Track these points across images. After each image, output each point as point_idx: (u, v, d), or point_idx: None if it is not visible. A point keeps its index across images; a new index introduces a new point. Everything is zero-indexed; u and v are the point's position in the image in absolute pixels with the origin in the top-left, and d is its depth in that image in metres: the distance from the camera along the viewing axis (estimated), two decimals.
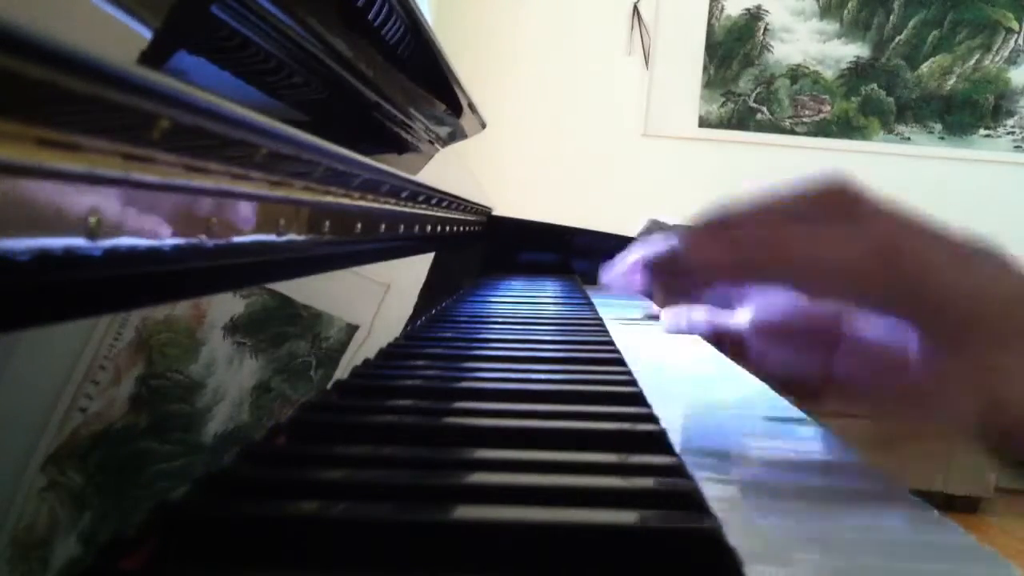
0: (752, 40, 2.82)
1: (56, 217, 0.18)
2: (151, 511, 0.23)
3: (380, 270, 0.55)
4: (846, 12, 2.81)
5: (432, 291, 0.71)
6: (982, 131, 2.84)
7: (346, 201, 0.42)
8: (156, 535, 0.22)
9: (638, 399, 0.38)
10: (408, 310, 0.62)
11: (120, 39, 0.23)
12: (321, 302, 0.41)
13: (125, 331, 0.23)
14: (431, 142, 0.88)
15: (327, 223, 0.39)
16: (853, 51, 2.83)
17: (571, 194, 2.70)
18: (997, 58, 2.82)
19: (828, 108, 2.84)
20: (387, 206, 0.52)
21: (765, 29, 2.83)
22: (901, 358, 0.30)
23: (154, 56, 0.25)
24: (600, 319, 0.70)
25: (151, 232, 0.23)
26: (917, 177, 2.80)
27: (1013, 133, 2.84)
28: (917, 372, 0.29)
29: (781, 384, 0.37)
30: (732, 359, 0.38)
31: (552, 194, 2.66)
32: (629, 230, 1.24)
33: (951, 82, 2.83)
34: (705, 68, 2.82)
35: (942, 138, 2.84)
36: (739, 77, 2.83)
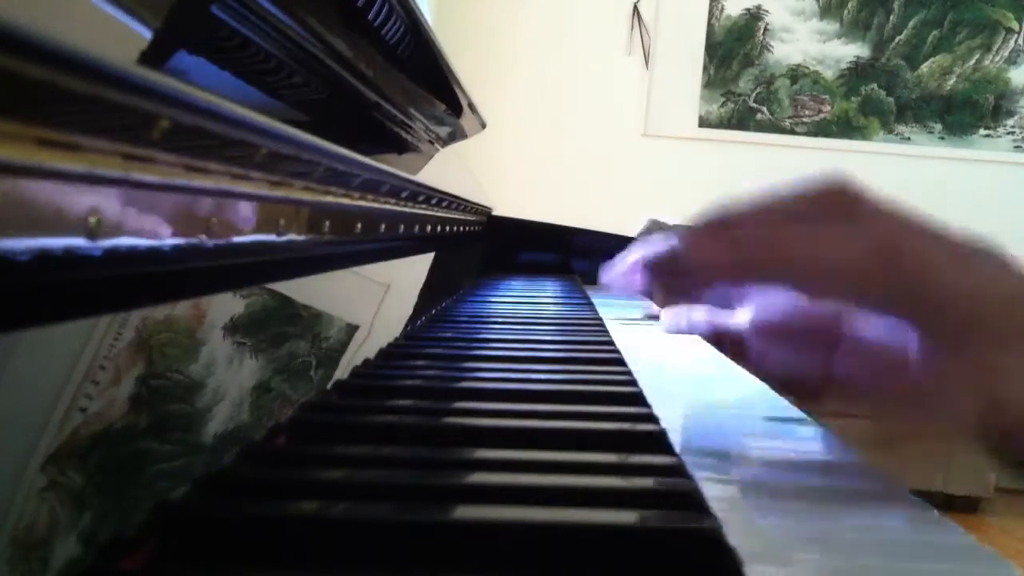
0: (752, 40, 2.82)
1: (56, 217, 0.18)
2: (151, 511, 0.23)
3: (380, 270, 0.55)
4: (846, 12, 2.81)
5: (432, 291, 0.71)
6: (982, 131, 2.84)
7: (346, 201, 0.42)
8: (156, 535, 0.22)
9: (638, 399, 0.38)
10: (408, 310, 0.62)
11: (120, 39, 0.23)
12: (321, 302, 0.41)
13: (125, 331, 0.23)
14: (431, 142, 0.88)
15: (327, 223, 0.39)
16: (853, 51, 2.82)
17: (571, 194, 2.70)
18: (997, 58, 2.82)
19: (828, 108, 2.84)
20: (387, 206, 0.52)
21: (765, 29, 2.83)
22: (901, 358, 0.30)
23: (154, 56, 0.25)
24: (600, 319, 0.70)
25: (151, 232, 0.23)
26: (917, 177, 2.80)
27: (1013, 133, 2.84)
28: (917, 372, 0.29)
29: (781, 384, 0.37)
30: (732, 359, 0.38)
31: (552, 194, 2.66)
32: (629, 230, 1.24)
33: (951, 82, 2.83)
34: (705, 68, 2.82)
35: (942, 138, 2.84)
36: (739, 77, 2.83)
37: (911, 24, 2.80)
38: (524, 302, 0.84)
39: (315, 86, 0.49)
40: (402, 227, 0.58)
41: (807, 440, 0.34)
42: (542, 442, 0.31)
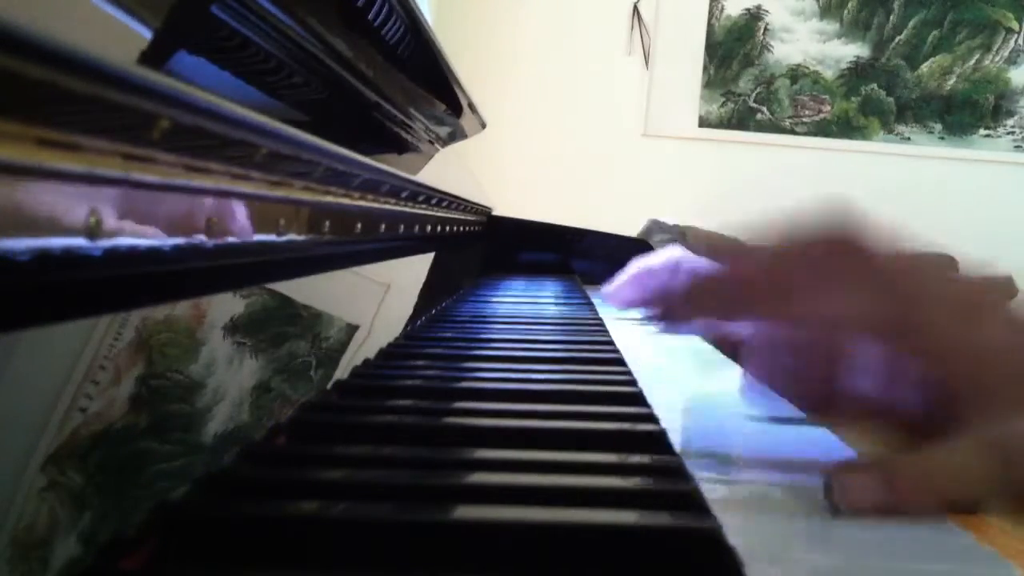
0: (752, 40, 2.82)
1: (56, 217, 0.18)
2: (151, 511, 0.23)
3: (380, 270, 0.55)
4: (846, 12, 2.81)
5: (432, 291, 0.71)
6: (982, 131, 2.84)
7: (346, 201, 0.42)
8: (156, 535, 0.22)
9: (638, 399, 0.38)
10: (408, 310, 0.62)
11: (120, 39, 0.23)
12: (321, 302, 0.41)
13: (125, 331, 0.23)
14: (431, 142, 0.88)
15: (327, 223, 0.39)
16: (853, 51, 2.83)
17: (571, 194, 2.70)
18: (997, 58, 2.82)
19: (828, 108, 2.84)
20: (387, 206, 0.52)
21: (765, 29, 2.83)
22: (906, 393, 0.29)
23: (154, 56, 0.25)
24: (600, 319, 0.70)
25: (151, 232, 0.23)
26: (917, 177, 2.80)
27: (1013, 133, 2.84)
28: (922, 415, 0.29)
29: (784, 395, 0.37)
30: (732, 359, 0.38)
31: (552, 194, 2.66)
32: (629, 230, 1.24)
33: (951, 82, 2.83)
34: (705, 68, 2.82)
35: (942, 138, 2.84)
36: (739, 77, 2.83)
37: (911, 24, 2.80)
38: (524, 302, 0.84)
39: (315, 86, 0.49)
40: (402, 227, 0.58)
41: (807, 440, 0.34)
42: (542, 442, 0.31)
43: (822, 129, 2.84)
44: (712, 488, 0.26)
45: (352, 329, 0.46)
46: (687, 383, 0.46)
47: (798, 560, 0.22)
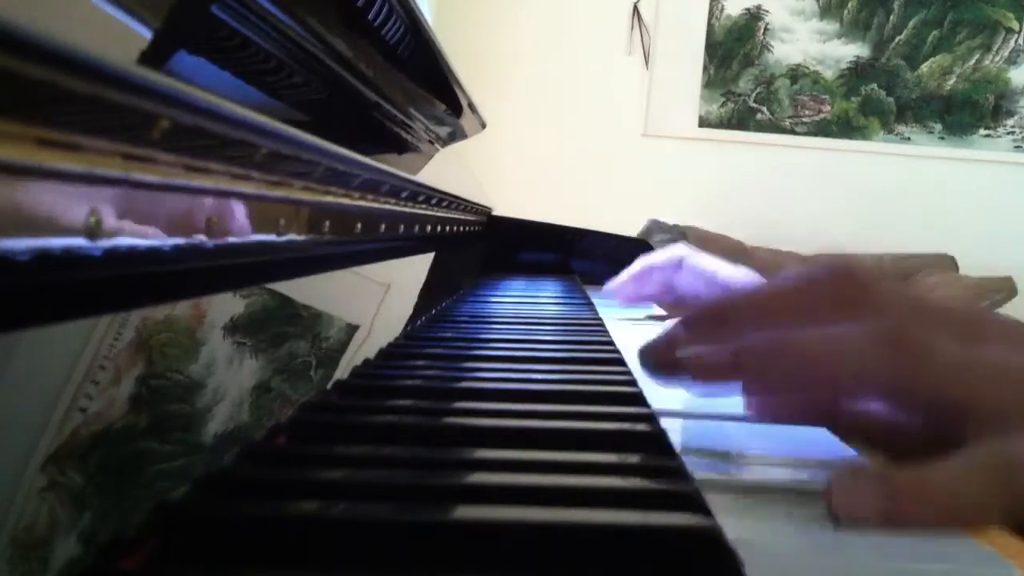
0: (752, 40, 2.83)
1: (56, 217, 0.18)
2: (151, 511, 0.23)
3: (380, 270, 0.55)
4: (846, 12, 2.81)
5: (432, 291, 0.71)
6: (982, 131, 2.84)
7: (346, 201, 0.42)
8: (156, 535, 0.22)
9: (638, 399, 0.38)
10: (408, 310, 0.62)
11: (120, 39, 0.23)
12: (321, 302, 0.41)
13: (125, 331, 0.23)
14: (431, 142, 0.88)
15: (327, 223, 0.39)
16: (853, 51, 2.83)
17: (571, 194, 2.70)
18: (997, 58, 2.82)
19: (828, 108, 2.84)
20: (387, 206, 0.52)
21: (765, 29, 2.83)
22: (907, 431, 0.29)
23: (154, 56, 0.25)
24: (600, 319, 0.70)
25: (151, 232, 0.23)
26: (917, 177, 2.80)
27: (1013, 133, 2.84)
28: (925, 434, 0.29)
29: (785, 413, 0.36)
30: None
31: (552, 194, 2.66)
32: (629, 230, 1.24)
33: (951, 82, 2.83)
34: (705, 68, 2.82)
35: (942, 138, 2.84)
36: (739, 77, 2.84)
37: (911, 24, 2.80)
38: (524, 302, 0.84)
39: (315, 86, 0.49)
40: (402, 227, 0.58)
41: (807, 440, 0.34)
42: (542, 442, 0.31)
43: (822, 129, 2.85)
44: (712, 488, 0.26)
45: (352, 329, 0.46)
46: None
47: (798, 560, 0.22)
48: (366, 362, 0.46)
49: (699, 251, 0.63)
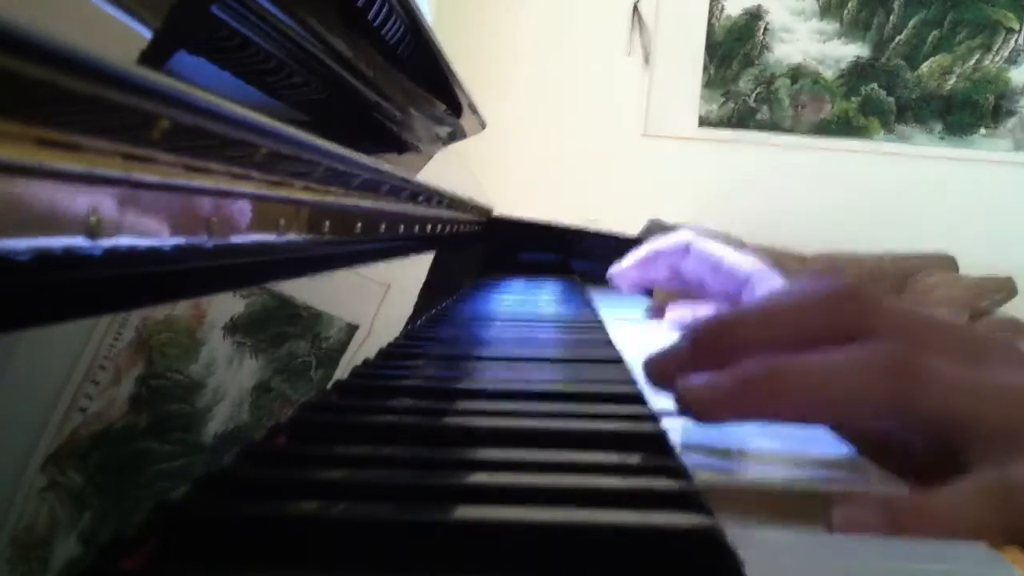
0: (752, 40, 2.83)
1: (56, 217, 0.18)
2: (151, 511, 0.23)
3: (380, 270, 0.55)
4: (846, 12, 2.81)
5: (432, 291, 0.71)
6: (982, 131, 2.84)
7: (346, 201, 0.42)
8: (156, 535, 0.22)
9: (638, 399, 0.38)
10: (408, 310, 0.62)
11: (120, 39, 0.23)
12: (321, 302, 0.41)
13: (125, 331, 0.23)
14: (431, 142, 0.88)
15: (327, 223, 0.39)
16: (853, 51, 2.83)
17: (571, 194, 2.70)
18: (997, 58, 2.83)
19: (828, 108, 2.84)
20: (387, 206, 0.52)
21: (765, 29, 2.83)
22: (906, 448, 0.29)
23: (154, 56, 0.25)
24: (600, 319, 0.70)
25: (151, 232, 0.23)
26: (917, 177, 2.80)
27: (1013, 133, 2.84)
28: (927, 457, 0.29)
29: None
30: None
31: (552, 194, 2.66)
32: (629, 230, 1.24)
33: (951, 82, 2.83)
34: (705, 68, 2.82)
35: (942, 138, 2.84)
36: (739, 77, 2.84)
37: (911, 24, 2.81)
38: (524, 302, 0.84)
39: (315, 86, 0.49)
40: (402, 227, 0.58)
41: (807, 439, 0.34)
42: (542, 442, 0.31)
43: (822, 129, 2.85)
44: (712, 487, 0.26)
45: (352, 329, 0.46)
46: None
47: (798, 560, 0.22)
48: (366, 362, 0.46)
49: (705, 238, 0.63)
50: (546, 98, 2.79)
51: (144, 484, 0.24)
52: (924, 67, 2.82)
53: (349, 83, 0.54)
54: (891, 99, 2.83)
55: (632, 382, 0.42)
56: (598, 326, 0.66)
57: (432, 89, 0.83)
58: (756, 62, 2.83)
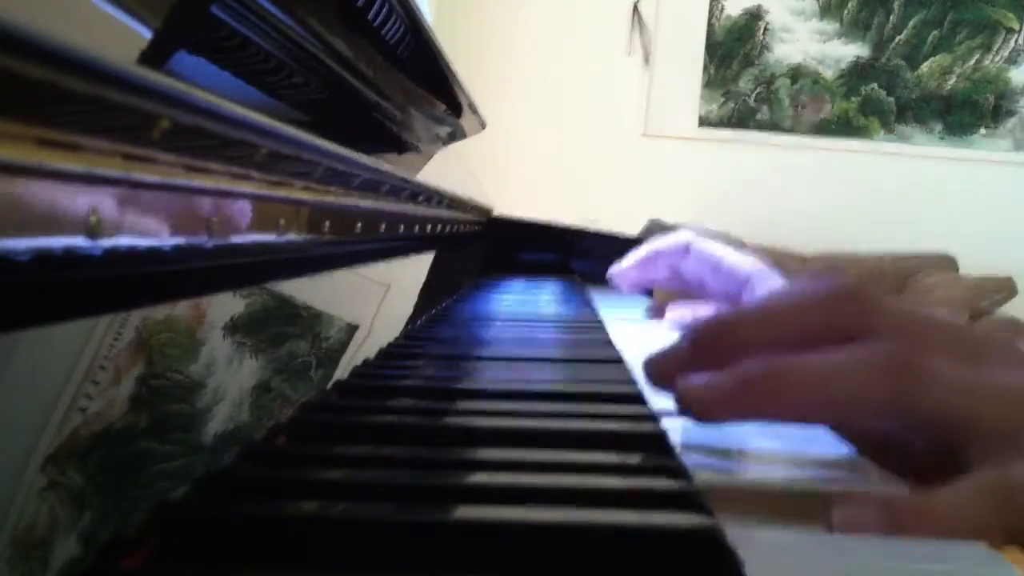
0: (752, 40, 2.83)
1: (56, 217, 0.18)
2: (151, 511, 0.23)
3: (380, 270, 0.55)
4: (846, 12, 2.81)
5: (432, 291, 0.71)
6: (982, 131, 2.84)
7: (346, 201, 0.42)
8: (156, 535, 0.22)
9: (638, 399, 0.38)
10: (408, 310, 0.62)
11: (120, 39, 0.23)
12: (321, 302, 0.41)
13: (125, 331, 0.23)
14: (431, 142, 0.88)
15: (327, 223, 0.39)
16: (853, 51, 2.83)
17: (571, 194, 2.70)
18: (997, 58, 2.83)
19: (828, 108, 2.84)
20: (387, 206, 0.52)
21: (765, 29, 2.83)
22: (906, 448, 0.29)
23: (154, 56, 0.25)
24: (600, 319, 0.70)
25: (151, 232, 0.23)
26: (917, 177, 2.80)
27: (1013, 133, 2.84)
28: (927, 457, 0.29)
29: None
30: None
31: (552, 194, 2.66)
32: (629, 230, 1.24)
33: (951, 82, 2.83)
34: (705, 68, 2.82)
35: (942, 138, 2.84)
36: (739, 77, 2.84)
37: (911, 24, 2.81)
38: (524, 302, 0.84)
39: (315, 86, 0.49)
40: (402, 227, 0.58)
41: (807, 439, 0.34)
42: (542, 442, 0.31)
43: (822, 129, 2.85)
44: (712, 487, 0.26)
45: (352, 329, 0.46)
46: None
47: (798, 560, 0.22)
48: (366, 362, 0.46)
49: (705, 237, 0.63)
50: (546, 98, 2.79)
51: (144, 484, 0.24)
52: (924, 67, 2.82)
53: (349, 83, 0.54)
54: (891, 99, 2.83)
55: (632, 382, 0.42)
56: (598, 326, 0.66)
57: (432, 89, 0.83)
58: (756, 62, 2.83)
